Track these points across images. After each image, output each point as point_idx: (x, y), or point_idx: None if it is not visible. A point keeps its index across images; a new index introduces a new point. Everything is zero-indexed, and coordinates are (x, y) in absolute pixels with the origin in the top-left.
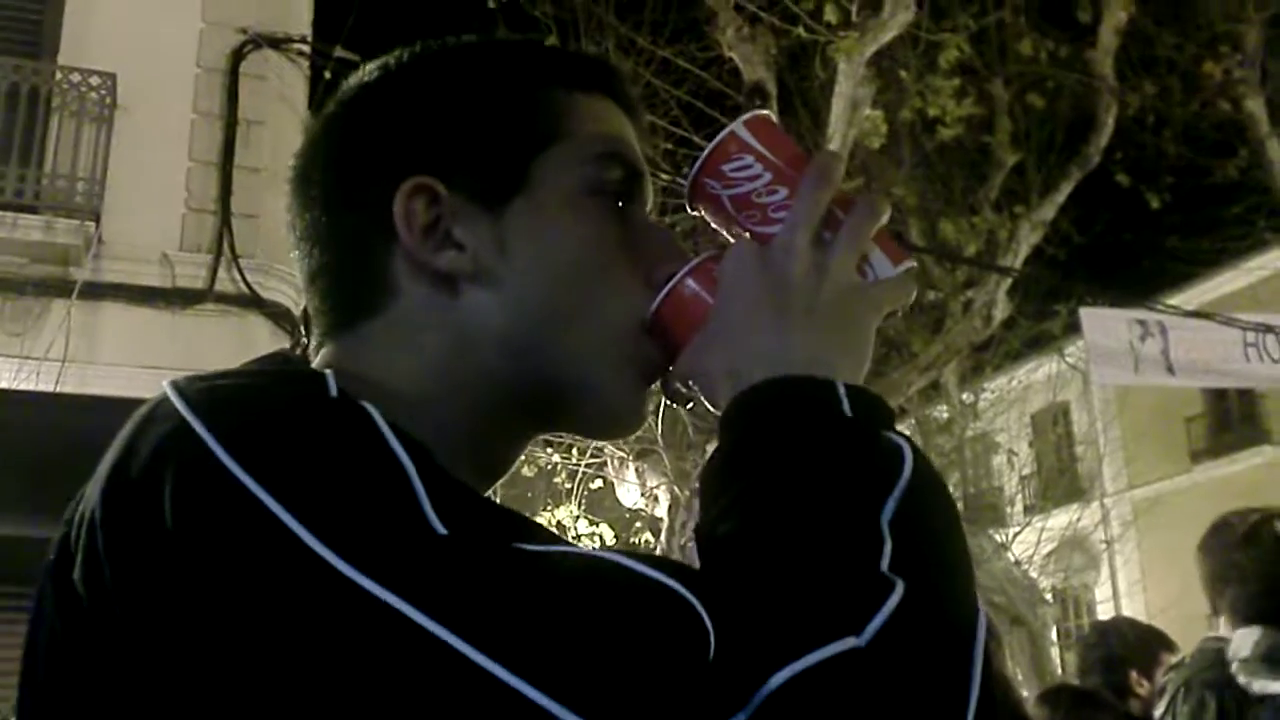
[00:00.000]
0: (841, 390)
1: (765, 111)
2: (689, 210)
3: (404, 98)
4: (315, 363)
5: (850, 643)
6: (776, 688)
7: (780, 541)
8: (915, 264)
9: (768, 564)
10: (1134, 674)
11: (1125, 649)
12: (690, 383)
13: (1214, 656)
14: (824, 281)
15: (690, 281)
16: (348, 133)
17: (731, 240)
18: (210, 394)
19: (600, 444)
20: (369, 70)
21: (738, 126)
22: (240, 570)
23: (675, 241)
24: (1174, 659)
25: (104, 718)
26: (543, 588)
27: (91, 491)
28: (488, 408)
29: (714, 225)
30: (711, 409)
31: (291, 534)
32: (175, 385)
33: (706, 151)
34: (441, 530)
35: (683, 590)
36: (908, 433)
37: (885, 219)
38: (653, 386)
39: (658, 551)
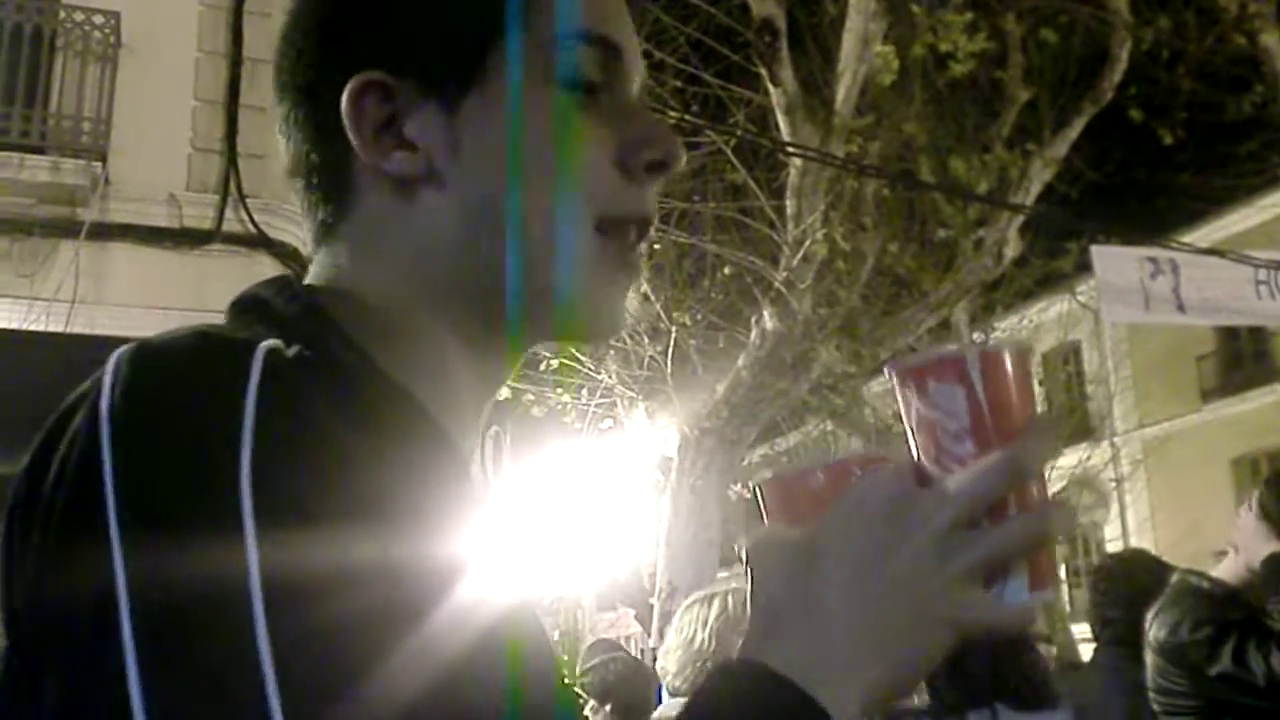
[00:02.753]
0: None
1: (1011, 351)
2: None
3: None
4: (310, 273)
5: None
6: None
7: None
8: (1053, 596)
9: None
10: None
11: (1145, 586)
12: (744, 568)
13: (1174, 586)
14: (937, 577)
15: (820, 475)
16: (302, 27)
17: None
18: (129, 388)
19: (609, 384)
20: None
21: (970, 354)
22: (70, 621)
23: (659, 126)
24: None
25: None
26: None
27: (26, 459)
28: (459, 318)
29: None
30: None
31: (116, 612)
32: (118, 358)
33: (927, 358)
34: (259, 634)
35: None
36: None
37: (1049, 540)
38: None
39: (668, 490)
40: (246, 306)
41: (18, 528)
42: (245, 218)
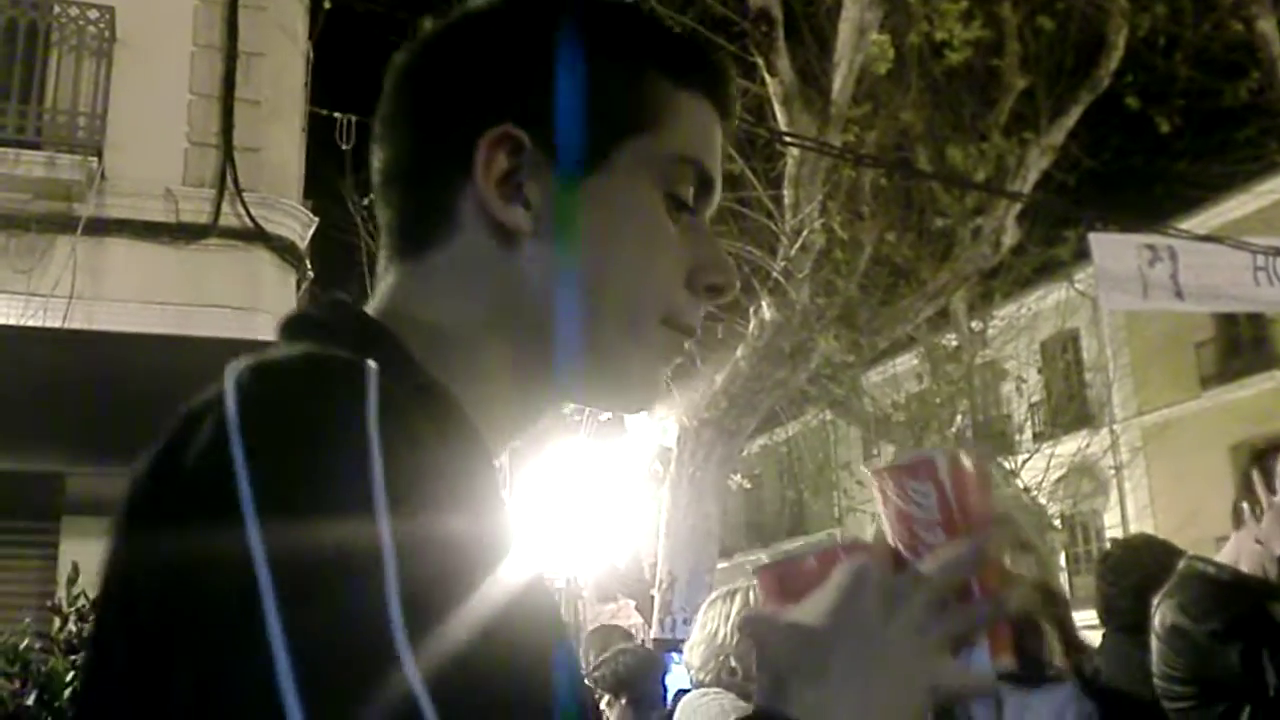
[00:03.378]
0: None
1: (971, 459)
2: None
3: (512, 38)
4: (378, 294)
5: None
6: None
7: None
8: (1009, 664)
9: None
10: (1154, 601)
11: (1157, 573)
12: (751, 647)
13: (1180, 572)
14: (912, 646)
15: (811, 560)
16: (451, 55)
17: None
18: (255, 405)
19: None
20: None
21: (940, 458)
22: (205, 589)
23: (724, 255)
24: None
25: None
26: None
27: (142, 464)
28: (524, 363)
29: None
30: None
31: (260, 601)
32: (236, 376)
33: (906, 460)
34: (394, 625)
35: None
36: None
37: (1006, 624)
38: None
39: (668, 481)
40: (304, 326)
41: (142, 524)
42: (242, 212)
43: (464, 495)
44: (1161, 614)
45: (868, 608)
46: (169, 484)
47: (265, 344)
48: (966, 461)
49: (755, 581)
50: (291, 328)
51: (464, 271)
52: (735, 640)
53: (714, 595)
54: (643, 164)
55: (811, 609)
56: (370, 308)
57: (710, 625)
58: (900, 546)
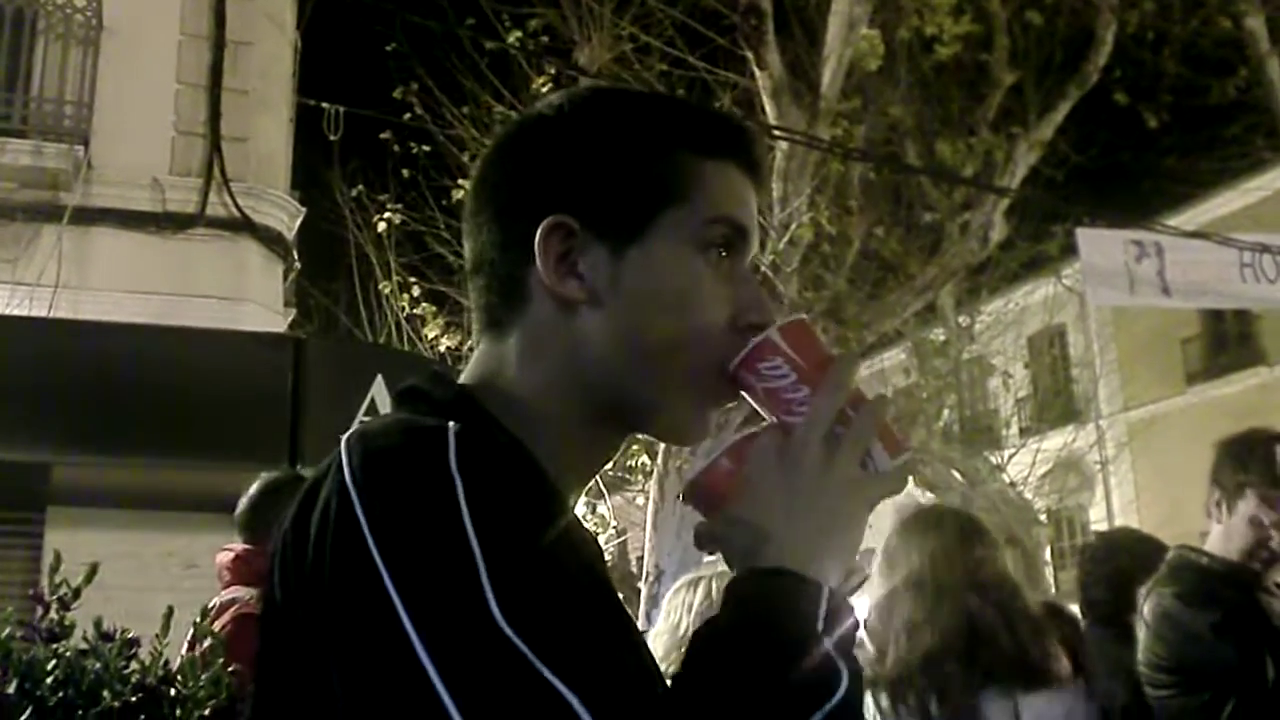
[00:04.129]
0: (824, 598)
1: (801, 317)
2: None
3: (559, 143)
4: (471, 364)
5: None
6: None
7: None
8: (911, 454)
9: None
10: (1142, 591)
11: (1132, 565)
12: (716, 546)
13: (1172, 561)
14: (829, 476)
15: (725, 461)
16: (512, 161)
17: (766, 422)
18: (363, 465)
19: None
20: (542, 105)
21: (773, 333)
22: (356, 621)
23: (762, 295)
24: None
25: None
26: (518, 712)
27: (288, 517)
28: (587, 415)
29: (753, 405)
30: (728, 568)
31: (394, 609)
32: (347, 444)
33: (745, 352)
34: (495, 612)
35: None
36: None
37: (887, 418)
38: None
39: (654, 474)
40: (410, 395)
41: (291, 568)
42: (229, 202)
43: (528, 517)
44: (1154, 602)
45: (784, 468)
46: (304, 537)
47: (252, 334)
48: (789, 322)
49: (681, 499)
50: (399, 396)
51: (533, 341)
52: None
53: (677, 585)
54: (679, 230)
55: (743, 494)
56: (464, 377)
57: (673, 615)
58: (783, 416)
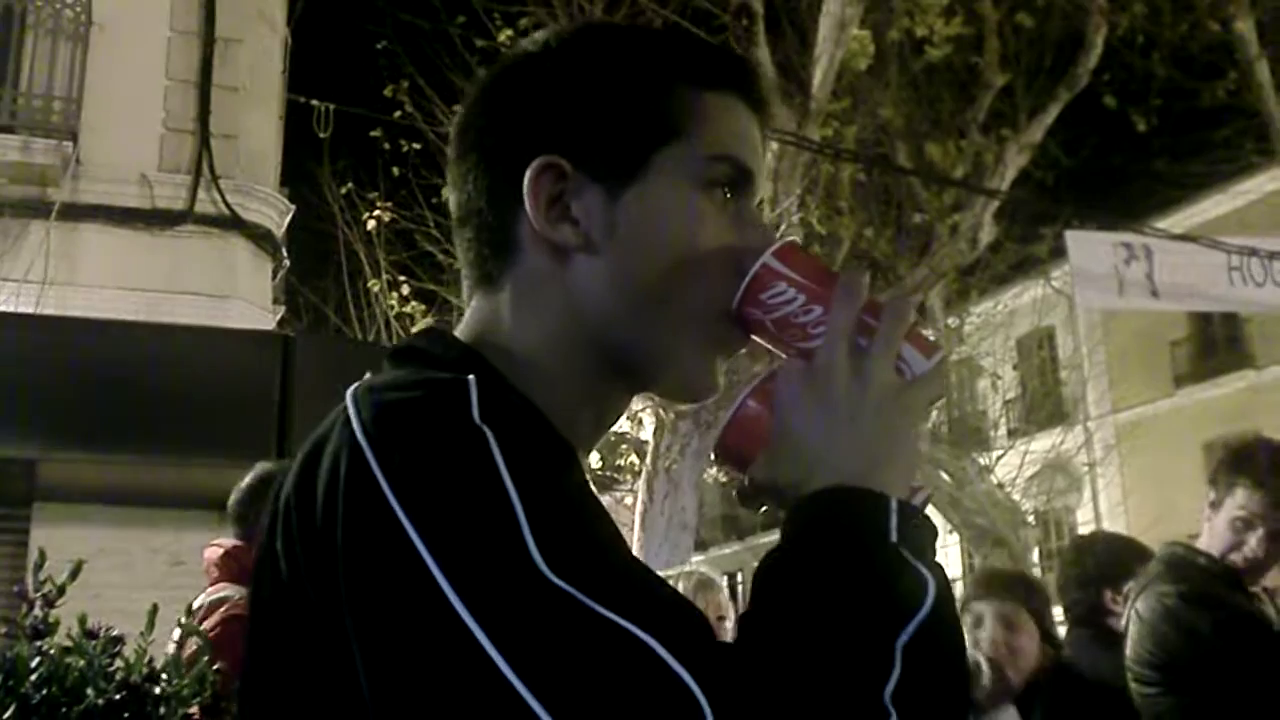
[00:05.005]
0: (893, 508)
1: (791, 239)
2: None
3: (547, 80)
4: (463, 322)
5: None
6: None
7: (802, 655)
8: (944, 353)
9: (787, 672)
10: (1108, 593)
11: (1099, 568)
12: (762, 496)
13: (1169, 559)
14: (866, 390)
15: (751, 403)
16: (498, 102)
17: (784, 358)
18: (377, 417)
19: None
20: (527, 43)
21: (768, 258)
22: (379, 582)
23: (771, 237)
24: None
25: (291, 671)
26: (591, 662)
27: (289, 480)
28: (591, 369)
29: (766, 346)
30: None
31: (424, 565)
32: (354, 397)
33: (744, 284)
34: (539, 563)
35: (697, 693)
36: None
37: (913, 319)
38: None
39: (643, 475)
40: (409, 354)
41: (295, 531)
42: (218, 198)
43: (560, 470)
44: (1153, 599)
45: (818, 394)
46: (310, 496)
47: (240, 332)
48: (780, 245)
49: (714, 460)
50: (395, 356)
51: (527, 292)
52: None
53: None
54: (679, 168)
55: (781, 433)
56: (457, 333)
57: None
58: (801, 345)
